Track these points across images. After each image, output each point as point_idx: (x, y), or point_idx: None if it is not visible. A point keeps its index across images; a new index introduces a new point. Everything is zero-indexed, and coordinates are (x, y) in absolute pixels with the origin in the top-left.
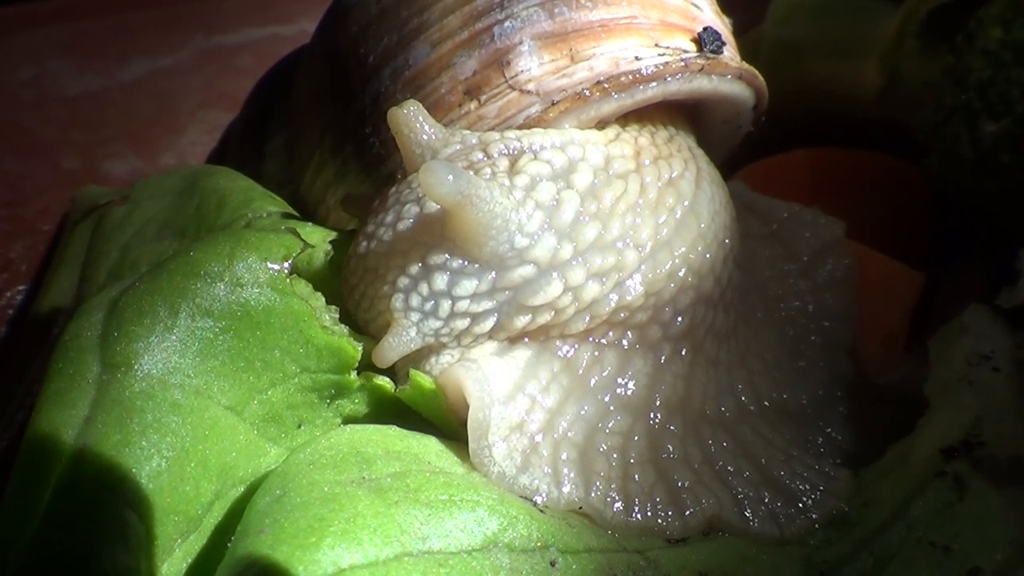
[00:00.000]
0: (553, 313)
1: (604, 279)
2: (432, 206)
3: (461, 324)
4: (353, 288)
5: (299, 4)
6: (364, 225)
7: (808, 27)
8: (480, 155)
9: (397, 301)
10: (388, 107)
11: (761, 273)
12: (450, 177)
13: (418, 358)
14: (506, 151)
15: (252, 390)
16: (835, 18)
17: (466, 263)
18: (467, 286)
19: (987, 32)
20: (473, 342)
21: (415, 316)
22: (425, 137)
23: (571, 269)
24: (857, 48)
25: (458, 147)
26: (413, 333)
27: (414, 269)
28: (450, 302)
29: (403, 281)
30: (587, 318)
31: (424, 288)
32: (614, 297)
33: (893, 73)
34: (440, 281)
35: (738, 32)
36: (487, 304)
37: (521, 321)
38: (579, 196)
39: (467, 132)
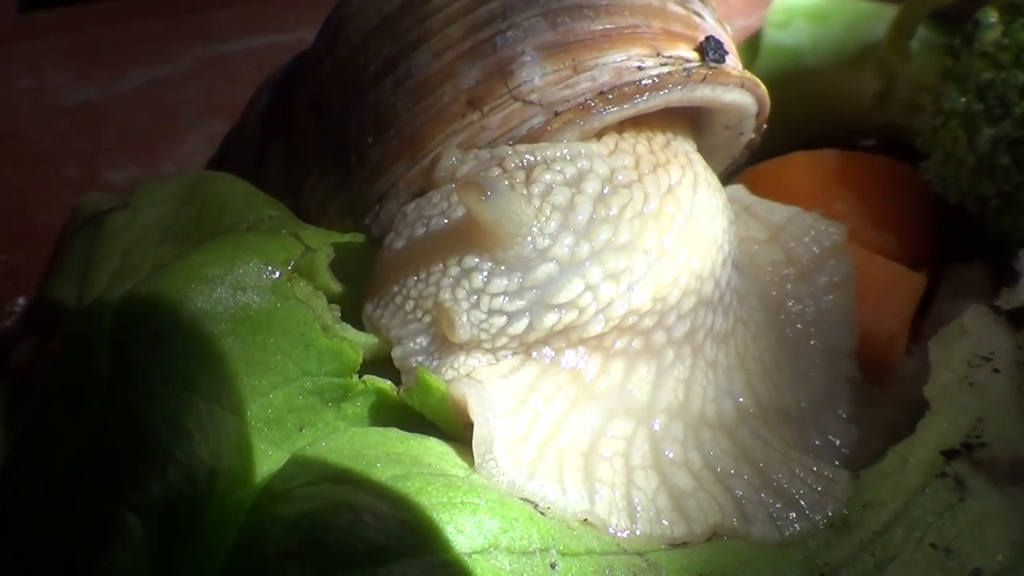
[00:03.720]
0: (577, 313)
1: (618, 280)
2: (458, 217)
3: (499, 321)
4: (391, 298)
5: (298, 13)
6: (390, 240)
7: (806, 32)
8: (497, 170)
9: (445, 293)
10: (390, 117)
11: (762, 277)
12: (491, 195)
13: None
14: (521, 164)
15: (254, 393)
16: (833, 23)
17: (494, 265)
18: (499, 284)
19: (985, 34)
20: (506, 345)
21: (464, 305)
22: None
23: (589, 268)
24: (855, 52)
25: (473, 163)
26: (464, 319)
27: (453, 271)
28: (488, 298)
29: (446, 281)
30: (603, 321)
31: (466, 284)
32: (626, 300)
33: (891, 77)
34: (478, 280)
35: (737, 37)
36: (519, 303)
37: (550, 320)
38: (591, 201)
39: (479, 150)
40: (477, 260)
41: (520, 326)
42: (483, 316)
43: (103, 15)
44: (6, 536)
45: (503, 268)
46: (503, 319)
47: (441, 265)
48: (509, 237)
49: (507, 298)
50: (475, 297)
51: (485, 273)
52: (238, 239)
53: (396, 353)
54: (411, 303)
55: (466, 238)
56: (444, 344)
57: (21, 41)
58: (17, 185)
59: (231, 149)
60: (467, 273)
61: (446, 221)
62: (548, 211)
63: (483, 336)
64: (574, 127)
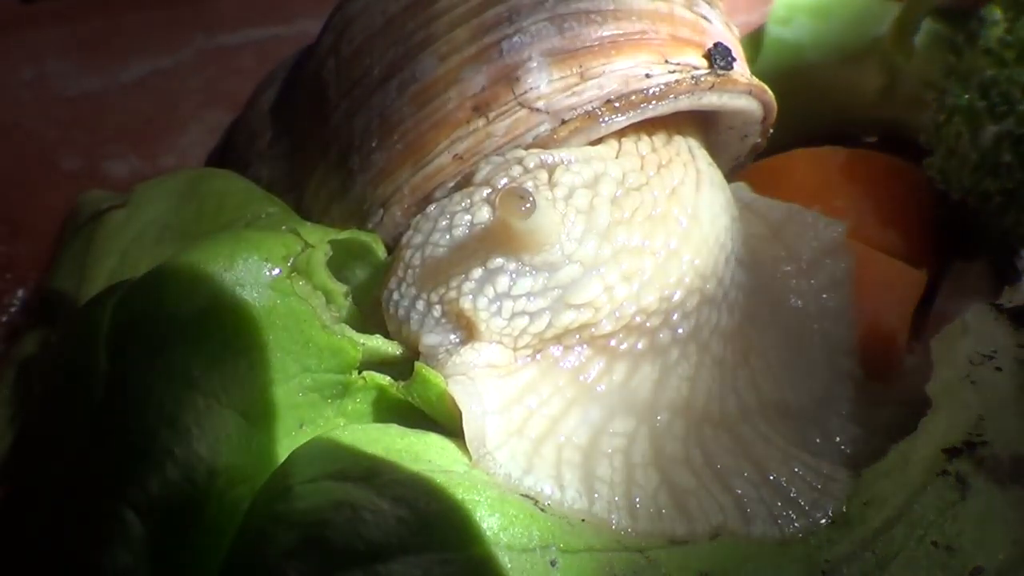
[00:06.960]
0: (592, 312)
1: (631, 281)
2: (484, 219)
3: (521, 323)
4: (413, 299)
5: (300, 5)
6: (409, 238)
7: (809, 28)
8: (518, 169)
9: (466, 302)
10: (395, 121)
11: (764, 274)
12: (531, 207)
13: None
14: (542, 164)
15: (253, 390)
16: (836, 18)
17: (520, 266)
18: (524, 285)
19: (989, 31)
20: (528, 344)
21: (484, 315)
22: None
23: (608, 269)
24: (858, 48)
25: (489, 168)
26: (485, 328)
27: (477, 273)
28: (512, 302)
29: (468, 286)
30: (614, 320)
31: (490, 291)
32: (635, 301)
33: (894, 73)
34: (503, 283)
35: (740, 34)
36: (541, 303)
37: (568, 318)
38: (608, 203)
39: (491, 156)
40: (503, 262)
41: (540, 324)
42: (504, 323)
43: (105, 6)
44: (5, 533)
45: (529, 270)
46: (525, 320)
47: (465, 267)
48: (540, 244)
49: (530, 298)
50: (497, 304)
51: (511, 275)
52: (237, 235)
53: (423, 348)
54: (437, 307)
55: (492, 240)
56: (467, 339)
57: (22, 31)
58: (18, 176)
59: (233, 144)
60: (492, 275)
61: (469, 218)
62: (573, 216)
63: (505, 340)
64: (580, 135)
